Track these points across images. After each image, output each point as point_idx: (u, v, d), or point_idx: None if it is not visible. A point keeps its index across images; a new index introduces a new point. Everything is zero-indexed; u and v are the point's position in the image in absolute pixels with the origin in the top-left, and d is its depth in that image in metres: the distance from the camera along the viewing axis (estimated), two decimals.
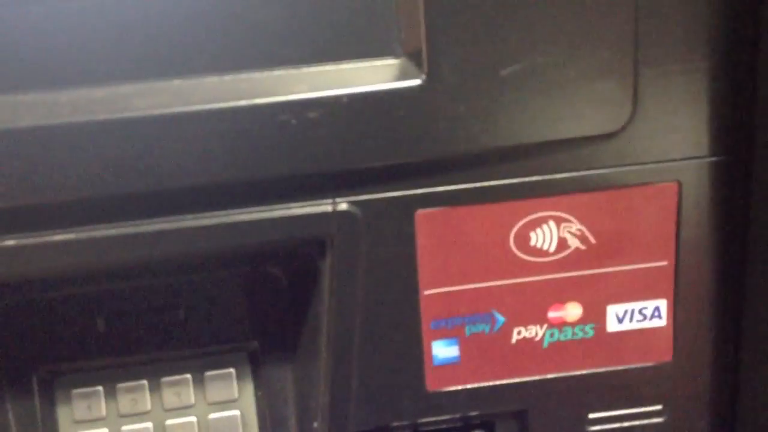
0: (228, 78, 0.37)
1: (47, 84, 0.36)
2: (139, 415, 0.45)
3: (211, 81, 0.37)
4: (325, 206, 0.39)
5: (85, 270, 0.40)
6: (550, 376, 0.44)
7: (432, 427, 0.45)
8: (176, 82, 0.37)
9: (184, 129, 0.36)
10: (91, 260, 0.38)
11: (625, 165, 0.41)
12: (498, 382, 0.44)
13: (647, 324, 0.43)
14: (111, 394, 0.44)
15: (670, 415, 0.45)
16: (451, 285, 0.42)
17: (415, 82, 0.37)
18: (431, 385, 0.43)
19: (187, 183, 0.37)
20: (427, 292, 0.42)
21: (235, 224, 0.38)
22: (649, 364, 0.44)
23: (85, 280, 0.41)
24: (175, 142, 0.36)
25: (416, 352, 0.42)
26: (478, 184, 0.40)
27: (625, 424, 0.45)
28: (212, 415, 0.45)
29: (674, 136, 0.40)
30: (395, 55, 0.38)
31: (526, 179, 0.40)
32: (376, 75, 0.37)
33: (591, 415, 0.45)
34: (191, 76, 0.37)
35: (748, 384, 0.44)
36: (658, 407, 0.45)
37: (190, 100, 0.36)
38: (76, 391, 0.44)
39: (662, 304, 0.43)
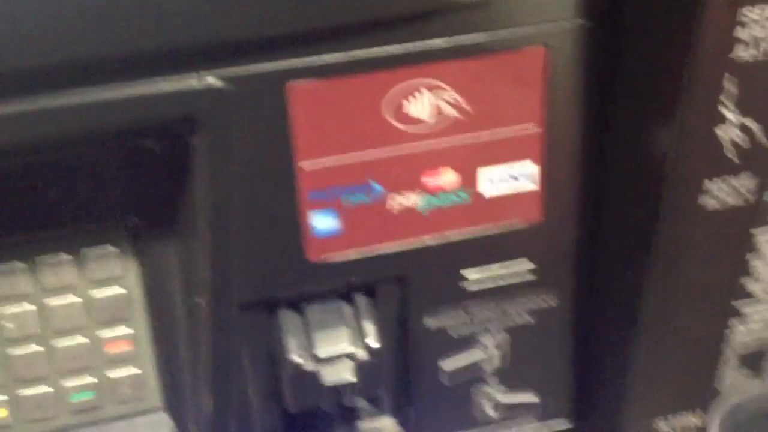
0: None
1: None
2: (18, 297, 0.44)
3: None
4: (190, 80, 0.38)
5: None
6: (428, 241, 0.45)
7: (316, 295, 0.46)
8: None
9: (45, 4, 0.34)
10: None
11: (495, 29, 0.41)
12: (378, 250, 0.45)
13: (519, 187, 0.45)
14: None
15: (541, 271, 0.47)
16: (327, 157, 0.42)
17: None
18: (312, 255, 0.44)
19: (52, 59, 0.35)
20: (302, 165, 0.42)
21: (101, 102, 0.37)
22: (522, 225, 0.46)
23: None
24: (41, 19, 0.35)
25: (294, 225, 0.43)
26: (348, 54, 0.40)
27: (501, 283, 0.47)
28: (96, 294, 0.45)
29: (542, 1, 0.40)
30: None
31: (397, 47, 0.40)
32: None
33: (467, 276, 0.47)
34: None
35: (608, 244, 0.47)
36: (531, 265, 0.47)
37: None
38: None
39: (532, 167, 0.44)
